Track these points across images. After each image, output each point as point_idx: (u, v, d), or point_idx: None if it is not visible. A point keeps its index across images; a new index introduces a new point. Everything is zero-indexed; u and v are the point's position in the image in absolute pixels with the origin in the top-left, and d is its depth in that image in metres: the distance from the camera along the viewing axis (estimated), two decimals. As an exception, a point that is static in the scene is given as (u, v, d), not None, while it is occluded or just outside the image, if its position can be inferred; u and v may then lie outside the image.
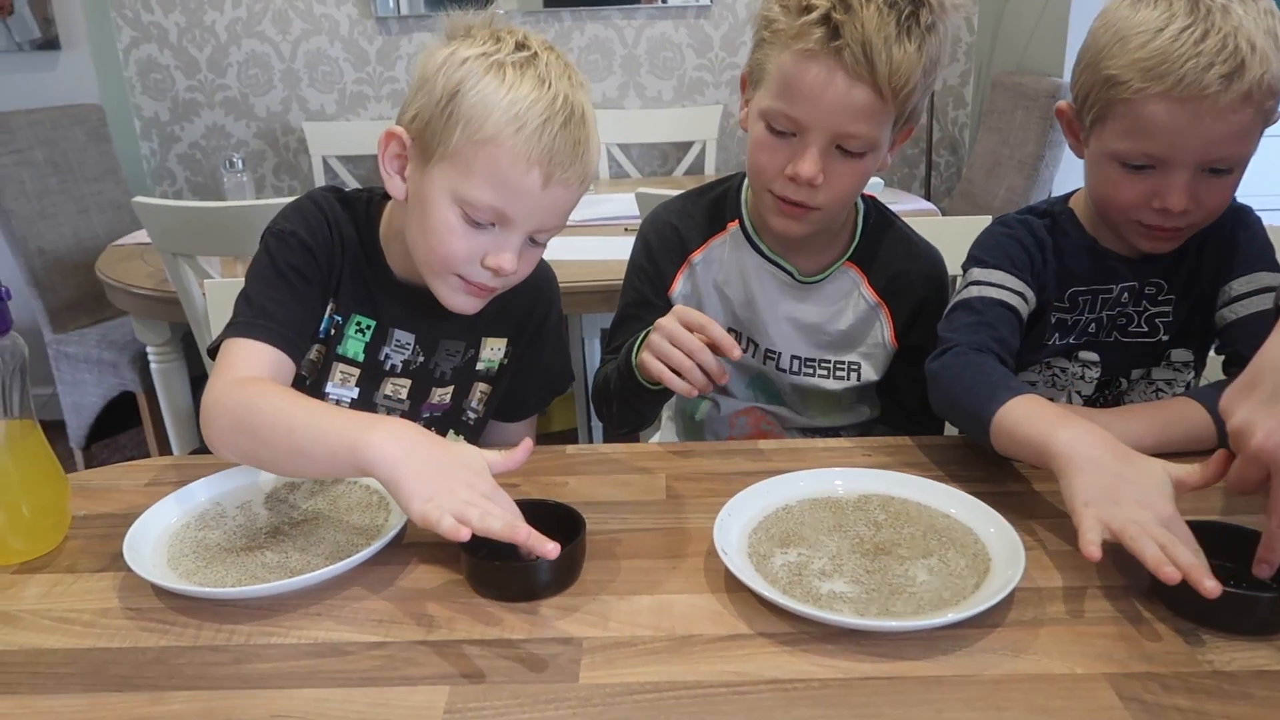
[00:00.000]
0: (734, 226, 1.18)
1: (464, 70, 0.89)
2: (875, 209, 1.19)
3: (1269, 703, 0.63)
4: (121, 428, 2.61)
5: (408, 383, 1.08)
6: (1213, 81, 0.88)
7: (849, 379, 1.19)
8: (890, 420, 1.24)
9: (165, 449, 2.34)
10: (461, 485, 0.77)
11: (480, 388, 1.13)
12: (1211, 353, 1.11)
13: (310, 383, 1.05)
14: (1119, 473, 0.78)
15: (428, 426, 1.09)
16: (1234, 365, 1.05)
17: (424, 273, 0.99)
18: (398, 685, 0.67)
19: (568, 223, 0.99)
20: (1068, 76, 1.05)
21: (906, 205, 2.44)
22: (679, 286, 1.20)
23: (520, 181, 0.90)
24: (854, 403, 1.23)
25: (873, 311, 1.17)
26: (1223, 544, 0.75)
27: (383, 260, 1.04)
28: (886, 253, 1.17)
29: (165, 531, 0.86)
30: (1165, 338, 1.07)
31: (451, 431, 1.14)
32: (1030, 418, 0.87)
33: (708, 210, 1.20)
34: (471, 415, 1.14)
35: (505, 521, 0.74)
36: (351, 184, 3.06)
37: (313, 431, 0.81)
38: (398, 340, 1.06)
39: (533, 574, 0.77)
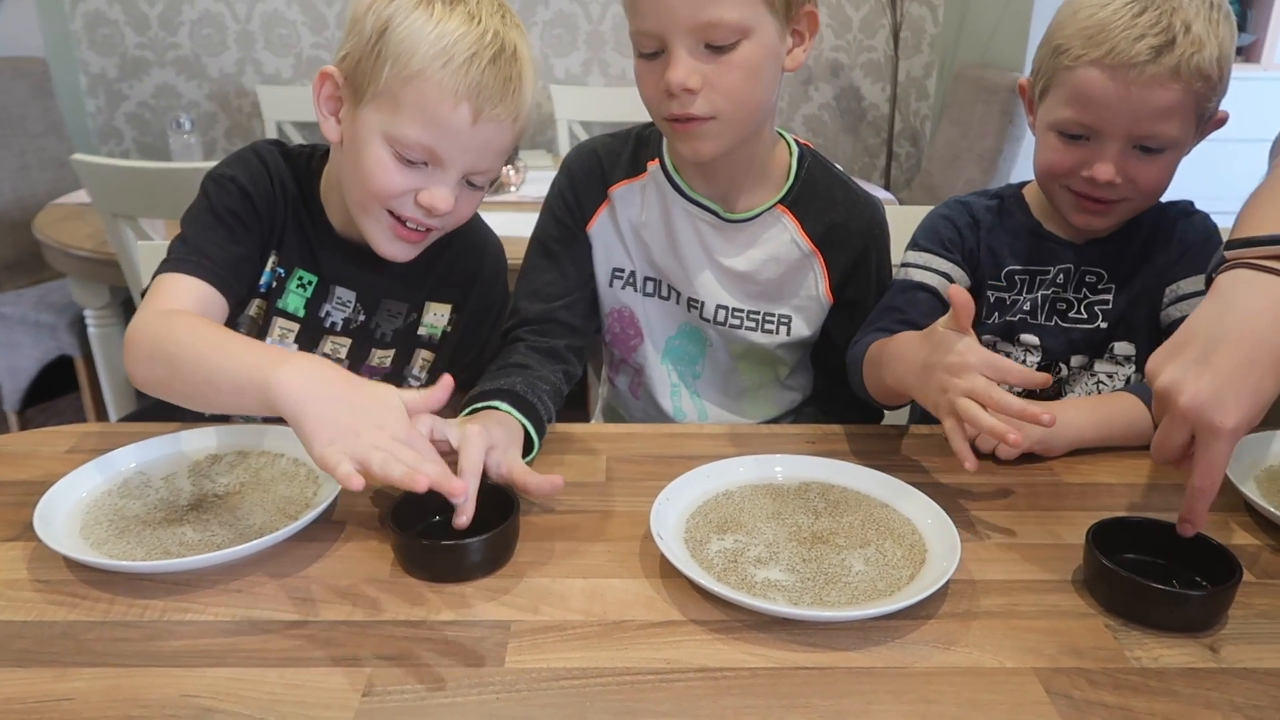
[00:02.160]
0: (653, 165, 1.12)
1: (393, 7, 0.89)
2: (811, 154, 1.13)
3: (1194, 700, 0.63)
4: (60, 392, 2.54)
5: (348, 342, 1.07)
6: (1142, 51, 0.92)
7: (779, 333, 1.14)
8: (824, 396, 1.20)
9: (103, 415, 2.28)
10: (370, 426, 0.74)
11: (423, 354, 1.11)
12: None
13: None
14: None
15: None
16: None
17: (356, 215, 0.97)
18: (316, 666, 0.65)
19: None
20: (1029, 71, 1.06)
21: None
22: (598, 222, 1.14)
23: (448, 117, 0.89)
24: (789, 375, 1.20)
25: (806, 260, 1.11)
26: (1158, 542, 0.75)
27: (323, 215, 1.03)
28: (823, 198, 1.11)
29: (82, 500, 0.83)
30: (1104, 325, 1.09)
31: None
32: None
33: (633, 148, 1.15)
34: (414, 383, 1.12)
35: (407, 468, 0.70)
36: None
37: (226, 363, 0.79)
38: (339, 297, 1.05)
39: (463, 554, 0.75)
